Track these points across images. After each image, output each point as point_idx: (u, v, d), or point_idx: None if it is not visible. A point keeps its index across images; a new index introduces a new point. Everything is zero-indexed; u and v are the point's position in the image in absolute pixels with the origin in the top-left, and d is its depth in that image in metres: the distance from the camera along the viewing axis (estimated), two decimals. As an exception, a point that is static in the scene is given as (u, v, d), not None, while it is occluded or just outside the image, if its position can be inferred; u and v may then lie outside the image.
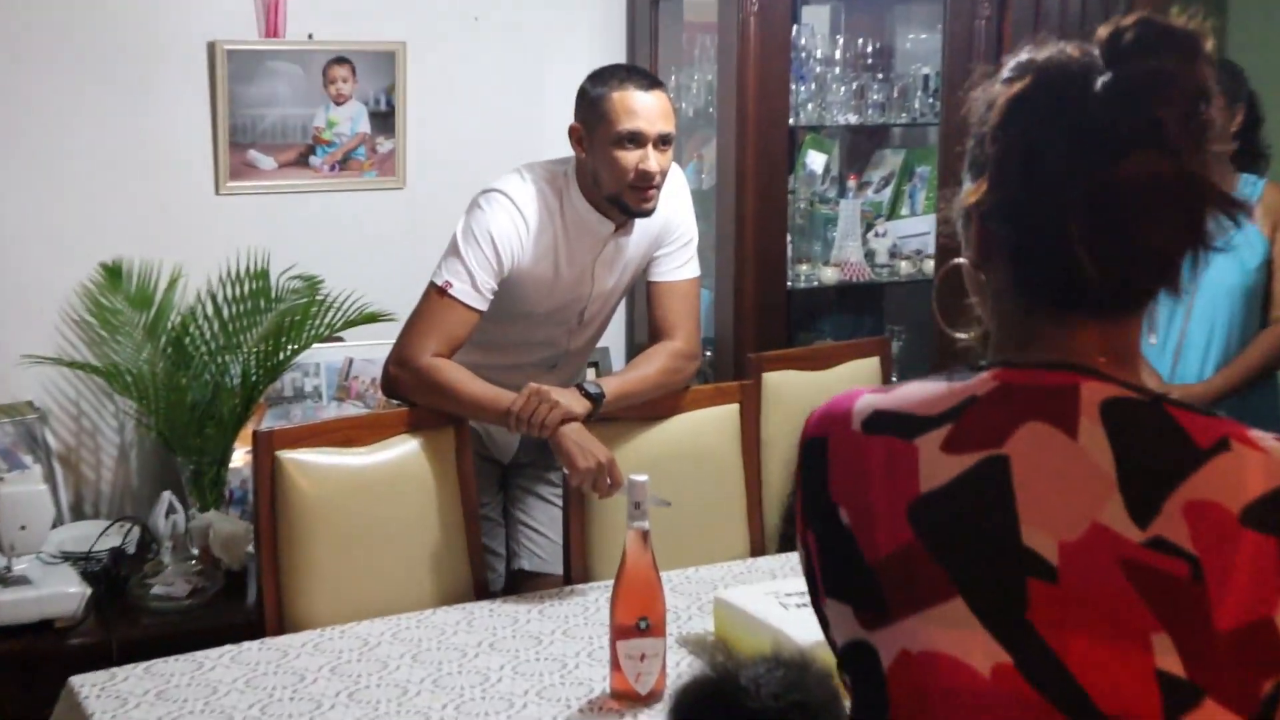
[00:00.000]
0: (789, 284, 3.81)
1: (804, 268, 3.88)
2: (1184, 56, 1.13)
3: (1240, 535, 1.07)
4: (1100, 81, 1.12)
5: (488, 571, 2.92)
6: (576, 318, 2.94)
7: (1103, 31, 1.15)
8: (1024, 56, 1.17)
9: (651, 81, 2.79)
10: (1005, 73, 1.18)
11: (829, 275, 3.89)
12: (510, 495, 3.14)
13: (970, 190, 1.19)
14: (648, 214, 2.79)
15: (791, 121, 3.72)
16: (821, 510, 1.19)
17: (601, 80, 2.75)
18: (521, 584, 3.00)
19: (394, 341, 2.80)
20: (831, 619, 1.21)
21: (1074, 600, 1.08)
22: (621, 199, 2.76)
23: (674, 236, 2.93)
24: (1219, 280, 3.21)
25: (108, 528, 3.34)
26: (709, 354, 3.81)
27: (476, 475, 2.91)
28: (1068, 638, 1.07)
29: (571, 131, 2.78)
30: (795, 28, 3.80)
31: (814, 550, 1.21)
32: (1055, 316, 1.16)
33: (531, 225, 2.77)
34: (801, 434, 1.24)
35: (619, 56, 3.91)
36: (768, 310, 3.72)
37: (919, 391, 1.19)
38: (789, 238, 3.77)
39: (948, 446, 1.14)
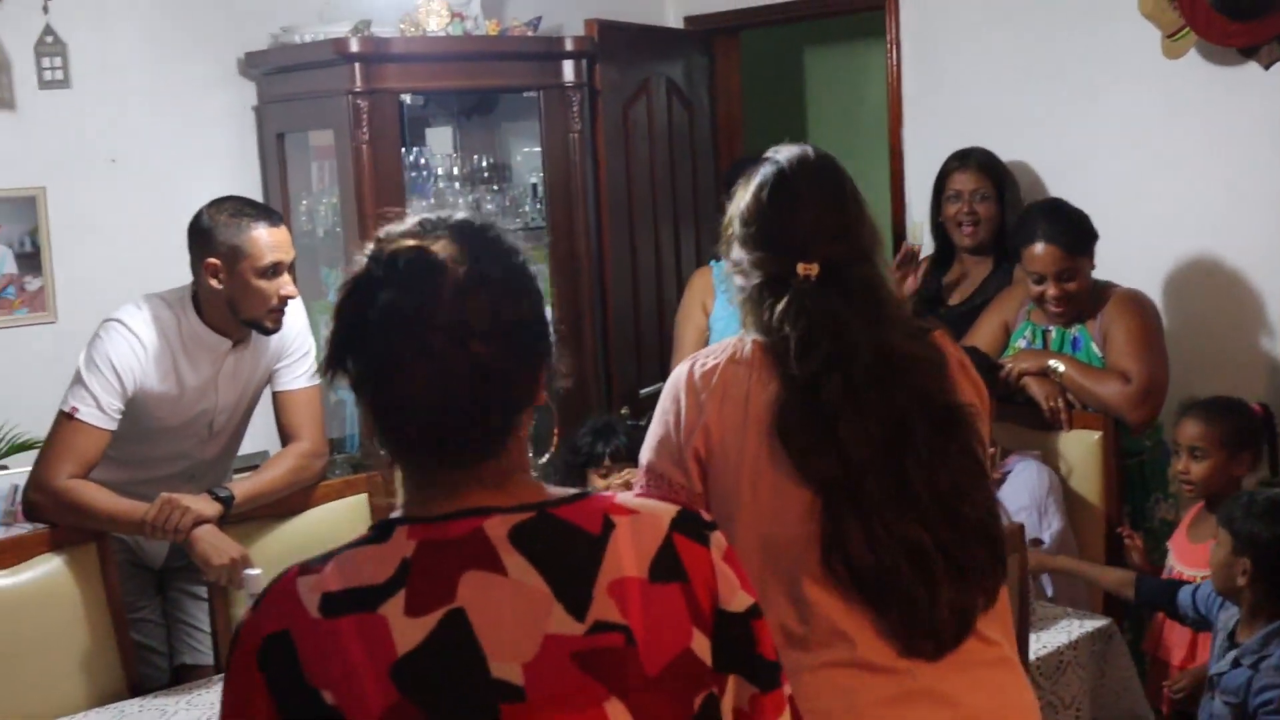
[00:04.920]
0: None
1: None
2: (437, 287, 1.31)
3: (653, 593, 1.32)
4: (380, 300, 1.31)
5: (148, 670, 3.13)
6: (206, 429, 3.19)
7: (380, 247, 1.34)
8: (364, 253, 1.37)
9: (277, 216, 3.15)
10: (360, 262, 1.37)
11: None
12: (168, 598, 3.36)
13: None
14: (278, 330, 3.13)
15: (415, 236, 4.06)
16: (300, 699, 1.26)
17: (232, 219, 3.02)
18: (185, 678, 3.18)
19: (31, 468, 3.01)
20: None
21: (541, 706, 1.26)
22: (262, 321, 3.08)
23: (292, 349, 3.25)
24: None
25: None
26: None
27: (130, 581, 3.16)
28: None
29: (208, 266, 3.02)
30: (416, 150, 4.24)
31: None
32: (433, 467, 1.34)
33: (149, 348, 3.02)
34: (250, 630, 1.30)
35: (254, 188, 4.18)
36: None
37: (354, 563, 1.31)
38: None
39: (410, 610, 1.27)
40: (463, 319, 1.30)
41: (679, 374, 1.99)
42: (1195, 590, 3.07)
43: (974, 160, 4.10)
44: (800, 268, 1.92)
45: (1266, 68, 3.85)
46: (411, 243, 1.33)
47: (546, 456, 1.42)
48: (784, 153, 2.03)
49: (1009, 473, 3.42)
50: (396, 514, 1.36)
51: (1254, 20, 3.80)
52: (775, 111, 5.96)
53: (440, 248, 1.32)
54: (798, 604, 1.86)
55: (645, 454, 2.01)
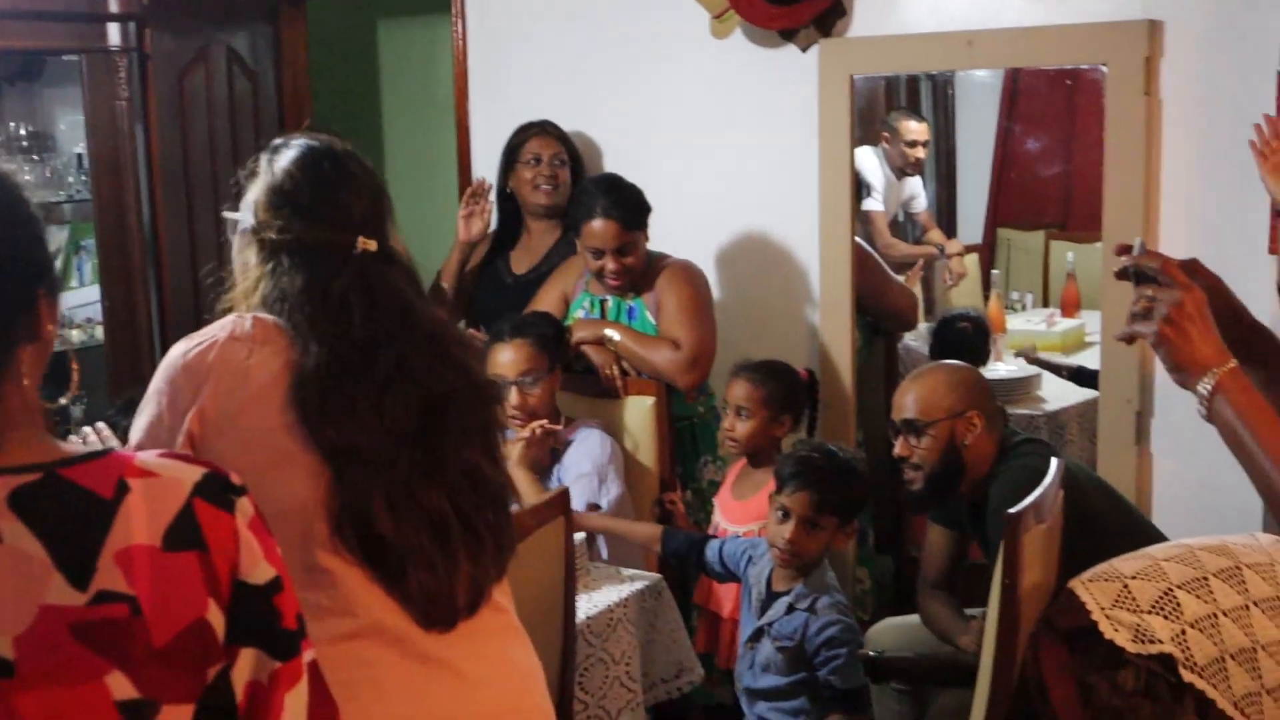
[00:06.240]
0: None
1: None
2: None
3: (166, 561, 1.25)
4: None
5: None
6: None
7: None
8: None
9: None
10: None
11: None
12: None
13: None
14: None
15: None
16: None
17: None
18: None
19: None
20: None
21: (34, 681, 1.19)
22: None
23: None
24: None
25: None
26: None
27: None
28: (33, 716, 1.19)
29: None
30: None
31: None
32: None
33: None
34: None
35: None
36: None
37: None
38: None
39: None
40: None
41: (172, 356, 1.92)
42: (722, 546, 3.19)
43: (550, 129, 4.16)
44: (361, 242, 1.93)
45: (804, 50, 4.03)
46: None
47: (64, 401, 1.33)
48: (323, 137, 2.04)
49: (571, 441, 3.45)
50: None
51: (793, 5, 3.97)
52: (347, 83, 5.83)
53: None
54: (312, 573, 1.82)
55: (135, 434, 1.93)
